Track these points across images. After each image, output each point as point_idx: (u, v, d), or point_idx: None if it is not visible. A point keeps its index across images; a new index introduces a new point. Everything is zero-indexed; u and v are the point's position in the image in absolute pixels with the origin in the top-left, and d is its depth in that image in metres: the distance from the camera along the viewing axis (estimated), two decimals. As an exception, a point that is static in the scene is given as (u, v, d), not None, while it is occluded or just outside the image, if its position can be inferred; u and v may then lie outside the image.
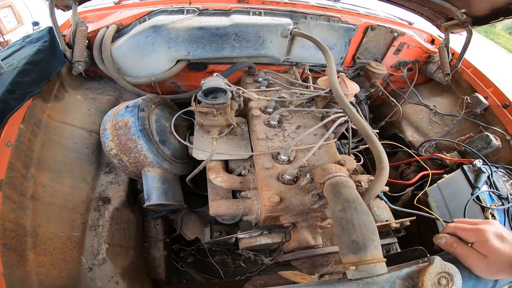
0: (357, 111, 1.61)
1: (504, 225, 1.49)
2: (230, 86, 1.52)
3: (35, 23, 2.02)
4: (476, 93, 2.12)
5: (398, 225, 1.46)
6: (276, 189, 1.27)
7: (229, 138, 1.59)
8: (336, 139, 1.61)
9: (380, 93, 2.54)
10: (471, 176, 1.66)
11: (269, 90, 1.70)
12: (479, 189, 1.58)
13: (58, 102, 1.72)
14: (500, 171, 1.76)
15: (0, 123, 1.27)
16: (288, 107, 1.66)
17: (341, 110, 1.55)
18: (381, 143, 2.28)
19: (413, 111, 2.37)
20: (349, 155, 1.82)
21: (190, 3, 1.81)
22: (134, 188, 1.80)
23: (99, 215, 1.59)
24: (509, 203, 1.58)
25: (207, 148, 1.50)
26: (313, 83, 1.81)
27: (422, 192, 1.87)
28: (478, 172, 1.66)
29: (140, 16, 1.82)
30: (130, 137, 1.51)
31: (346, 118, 1.50)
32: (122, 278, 1.47)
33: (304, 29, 1.97)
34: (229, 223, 1.73)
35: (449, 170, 1.90)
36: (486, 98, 2.09)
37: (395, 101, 2.25)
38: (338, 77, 1.78)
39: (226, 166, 1.56)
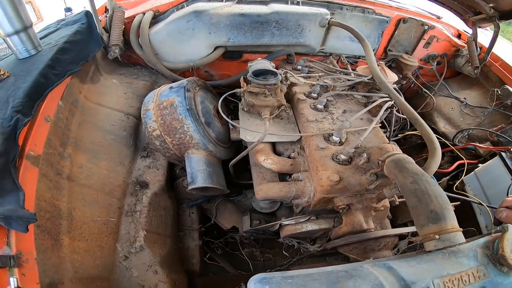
0: (400, 96, 1.64)
1: None
2: (281, 70, 1.52)
3: (68, 9, 1.98)
4: (506, 85, 2.15)
5: None
6: (334, 168, 1.24)
7: (276, 121, 1.56)
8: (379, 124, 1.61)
9: (412, 85, 2.57)
10: (509, 163, 1.67)
11: (310, 76, 1.70)
12: None
13: (94, 84, 1.68)
14: None
15: (41, 97, 1.22)
16: (342, 91, 1.66)
17: (386, 95, 1.56)
18: (409, 134, 2.32)
19: (444, 103, 2.37)
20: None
21: (228, -9, 1.82)
22: (172, 174, 1.74)
23: (136, 200, 1.50)
24: None
25: (255, 131, 1.48)
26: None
27: (459, 181, 1.86)
28: None
29: (178, 2, 1.82)
30: (176, 116, 1.46)
31: (391, 102, 1.51)
32: (161, 267, 1.36)
33: (339, 20, 1.99)
34: (268, 212, 1.69)
35: (483, 160, 1.91)
36: None
37: (428, 92, 2.28)
38: (378, 65, 1.80)
39: (274, 149, 1.53)
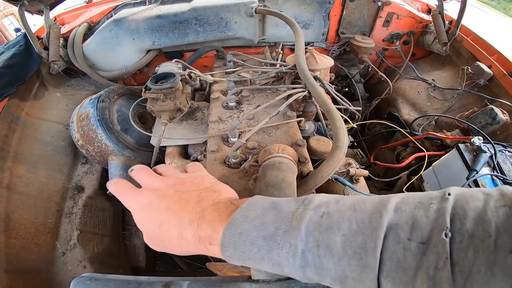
0: (323, 86, 1.49)
1: None
2: (185, 70, 1.49)
3: (17, 30, 2.17)
4: (478, 62, 1.82)
5: None
6: (219, 173, 1.20)
7: (189, 123, 1.55)
8: (304, 119, 1.48)
9: (380, 68, 2.32)
10: (468, 157, 1.42)
11: (232, 72, 1.63)
12: (477, 172, 1.33)
13: (37, 100, 1.83)
14: (509, 151, 1.47)
15: None
16: (251, 86, 1.58)
17: (301, 85, 1.43)
18: (373, 122, 2.11)
19: (410, 86, 2.11)
20: (326, 136, 1.69)
21: (152, -7, 1.81)
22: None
23: (73, 203, 1.66)
24: None
25: (166, 135, 1.48)
26: None
27: (416, 177, 1.64)
28: (477, 152, 1.40)
29: (107, 12, 1.87)
30: (91, 127, 1.55)
31: (304, 93, 1.38)
32: (90, 263, 1.52)
33: (272, 6, 1.86)
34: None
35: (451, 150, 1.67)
36: (489, 67, 1.79)
37: (384, 75, 2.01)
38: (306, 51, 1.66)
39: (186, 151, 1.53)
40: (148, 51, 1.90)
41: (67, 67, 1.99)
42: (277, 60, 1.72)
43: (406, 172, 1.73)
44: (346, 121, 1.81)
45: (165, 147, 1.51)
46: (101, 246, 1.66)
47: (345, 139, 1.06)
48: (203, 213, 0.48)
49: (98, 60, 1.87)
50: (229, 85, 1.55)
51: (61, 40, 1.87)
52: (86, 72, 1.87)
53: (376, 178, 1.76)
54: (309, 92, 1.39)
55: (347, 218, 0.38)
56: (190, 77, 1.48)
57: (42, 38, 1.89)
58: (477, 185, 1.32)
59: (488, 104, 1.71)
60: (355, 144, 2.28)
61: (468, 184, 1.30)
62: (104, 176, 1.80)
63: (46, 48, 1.87)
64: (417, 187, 1.67)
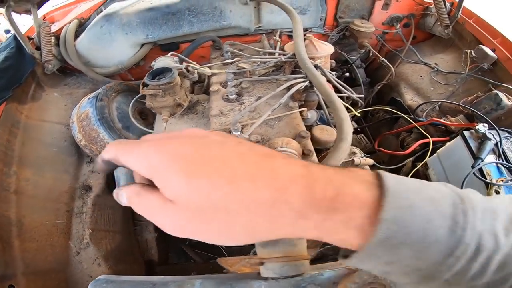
0: (325, 74, 1.47)
1: None
2: (182, 63, 1.46)
3: (7, 31, 2.12)
4: (481, 45, 1.77)
5: None
6: None
7: (190, 117, 1.54)
8: (306, 109, 1.47)
9: (381, 53, 2.28)
10: (473, 144, 1.39)
11: (230, 63, 1.60)
12: (482, 160, 1.32)
13: (35, 102, 1.82)
14: None
15: None
16: (251, 77, 1.55)
17: (302, 75, 1.41)
18: (376, 109, 2.08)
19: (412, 71, 2.05)
20: (329, 125, 1.68)
21: (140, -14, 1.74)
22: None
23: (83, 203, 1.69)
24: None
25: (168, 131, 1.48)
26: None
27: (421, 164, 1.63)
28: (482, 139, 1.39)
29: (97, 7, 1.82)
30: (92, 127, 1.55)
31: (306, 83, 1.36)
32: (105, 261, 1.56)
33: (267, -8, 1.80)
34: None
35: (456, 137, 1.65)
36: (493, 50, 1.74)
37: (385, 60, 1.97)
38: (305, 39, 1.62)
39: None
40: (143, 44, 1.85)
41: (62, 65, 1.95)
42: (275, 48, 1.68)
43: (411, 158, 1.71)
44: (348, 109, 1.80)
45: None
46: (113, 243, 1.70)
47: (350, 130, 1.07)
48: (308, 167, 0.32)
49: (93, 57, 1.83)
50: (228, 77, 1.53)
51: (53, 39, 1.82)
52: (81, 70, 1.84)
53: (381, 166, 1.77)
54: (310, 82, 1.37)
55: None
56: (188, 70, 1.45)
57: (33, 38, 1.85)
58: (482, 174, 1.32)
59: (493, 88, 1.68)
60: (359, 130, 2.28)
61: (474, 173, 1.30)
62: (112, 173, 1.81)
63: (38, 48, 1.83)
64: (422, 174, 1.66)
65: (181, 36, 1.84)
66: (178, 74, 1.48)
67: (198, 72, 1.52)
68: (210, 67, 1.62)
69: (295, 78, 1.39)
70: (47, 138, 1.75)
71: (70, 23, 1.83)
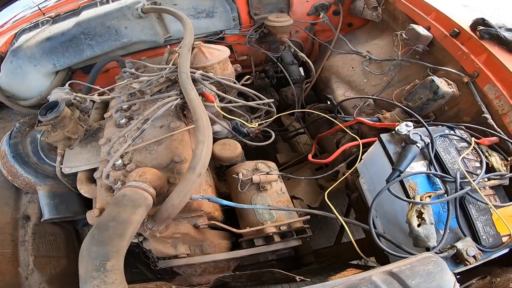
0: (206, 86, 1.41)
1: (445, 227, 0.99)
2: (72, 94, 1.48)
3: None
4: (412, 25, 1.54)
5: (274, 229, 1.26)
6: (103, 200, 1.22)
7: (93, 145, 1.55)
8: (191, 126, 1.40)
9: (315, 46, 2.11)
10: (393, 150, 1.12)
11: (123, 85, 1.57)
12: (400, 172, 1.04)
13: (-31, 141, 1.94)
14: (457, 135, 1.19)
15: None
16: (143, 98, 1.53)
17: (176, 92, 1.37)
18: (308, 110, 1.91)
19: (343, 62, 1.87)
20: (246, 134, 1.61)
21: (44, 14, 1.75)
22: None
23: (24, 232, 1.81)
24: (461, 188, 1.00)
25: (75, 161, 1.53)
26: None
27: (350, 171, 1.40)
28: (406, 143, 1.12)
29: (10, 41, 1.86)
30: (10, 164, 1.63)
31: (177, 101, 1.31)
32: (49, 285, 1.67)
33: (163, 2, 1.71)
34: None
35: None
36: (428, 28, 1.53)
37: (304, 56, 1.81)
38: (193, 47, 1.55)
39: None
40: (57, 72, 1.88)
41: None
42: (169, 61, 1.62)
43: (342, 164, 1.53)
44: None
45: (76, 173, 1.55)
46: (58, 267, 1.81)
47: (203, 156, 1.01)
48: None
49: (15, 90, 1.89)
50: (118, 100, 1.52)
51: (-22, 76, 1.90)
52: (6, 104, 1.92)
53: (312, 177, 1.66)
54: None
55: None
56: (79, 100, 1.46)
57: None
58: (404, 188, 1.05)
59: (430, 74, 1.44)
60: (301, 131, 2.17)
61: (388, 189, 1.03)
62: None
63: (-35, 87, 1.92)
64: (352, 182, 1.47)
65: (92, 58, 1.83)
66: (70, 105, 1.50)
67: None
68: (111, 90, 1.61)
69: (170, 96, 1.36)
70: (-16, 174, 1.87)
71: (-9, 59, 1.90)
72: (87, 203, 1.76)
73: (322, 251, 1.76)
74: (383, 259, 1.19)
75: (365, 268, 1.49)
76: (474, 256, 0.92)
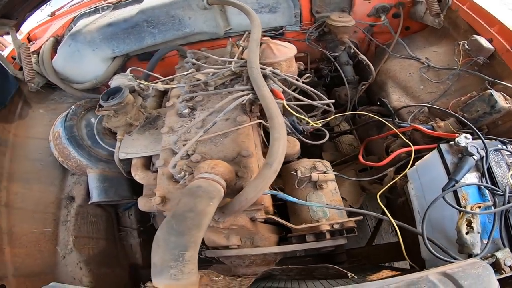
0: (276, 83, 1.39)
1: (489, 237, 1.03)
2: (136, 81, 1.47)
3: None
4: (475, 36, 1.50)
5: (328, 227, 1.27)
6: (165, 189, 1.22)
7: (151, 132, 1.55)
8: (258, 121, 1.39)
9: (371, 47, 2.08)
10: (450, 160, 1.14)
11: (186, 75, 1.57)
12: (456, 182, 1.08)
13: (22, 120, 1.96)
14: (509, 150, 1.18)
15: None
16: (207, 89, 1.52)
17: (247, 87, 1.35)
18: (354, 113, 1.88)
19: (400, 67, 1.83)
20: (302, 132, 1.59)
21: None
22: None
23: (67, 212, 1.83)
24: (508, 202, 1.04)
25: (132, 147, 1.53)
26: None
27: (400, 176, 1.39)
28: (463, 154, 1.13)
29: (68, 24, 1.87)
30: (63, 145, 1.65)
31: (249, 96, 1.30)
32: (86, 265, 1.70)
33: (228, -7, 1.70)
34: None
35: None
36: (490, 41, 1.48)
37: (365, 59, 1.77)
38: (262, 43, 1.54)
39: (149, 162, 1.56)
40: (114, 58, 1.89)
41: (47, 82, 2.06)
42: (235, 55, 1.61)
43: (392, 168, 1.52)
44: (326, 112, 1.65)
45: (130, 159, 1.55)
46: (96, 248, 1.83)
47: (279, 153, 1.00)
48: None
49: (69, 73, 1.91)
50: (182, 90, 1.51)
51: (33, 58, 1.92)
52: (60, 86, 1.93)
53: (361, 179, 1.65)
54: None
55: None
56: (141, 87, 1.46)
57: (16, 59, 1.96)
58: (456, 197, 1.09)
59: (489, 87, 1.42)
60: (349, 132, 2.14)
61: (443, 197, 1.07)
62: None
63: (21, 69, 1.94)
64: (400, 187, 1.45)
65: (151, 46, 1.84)
66: (133, 92, 1.50)
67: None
68: (171, 80, 1.61)
69: (242, 90, 1.34)
70: (33, 154, 1.88)
71: (47, 41, 1.91)
72: (134, 189, 1.78)
73: (354, 251, 1.76)
74: (418, 263, 1.22)
75: (399, 270, 1.51)
76: (510, 266, 0.97)
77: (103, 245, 1.88)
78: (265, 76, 1.33)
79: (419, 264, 1.19)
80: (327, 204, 1.35)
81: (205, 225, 0.86)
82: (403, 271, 1.38)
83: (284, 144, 1.03)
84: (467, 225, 1.02)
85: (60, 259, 1.67)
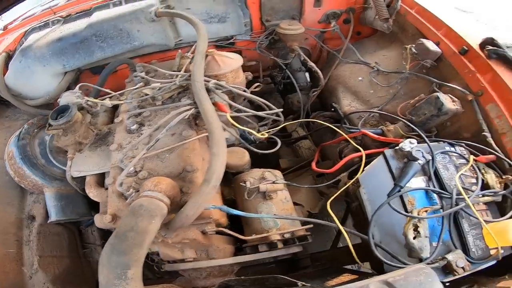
0: (219, 96, 1.42)
1: (438, 240, 1.07)
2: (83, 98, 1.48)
3: None
4: (422, 39, 1.56)
5: (279, 236, 1.32)
6: (115, 207, 1.23)
7: (102, 149, 1.55)
8: (204, 134, 1.41)
9: (323, 53, 2.13)
10: (395, 166, 1.19)
11: (135, 89, 1.58)
12: (401, 187, 1.13)
13: (-23, 139, 1.92)
14: (456, 152, 1.25)
15: None
16: (155, 104, 1.54)
17: (192, 101, 1.38)
18: (313, 120, 1.93)
19: (350, 72, 1.89)
20: (253, 142, 1.62)
21: (55, 13, 1.73)
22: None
23: (29, 232, 1.81)
24: (456, 204, 1.09)
25: (85, 165, 1.53)
26: None
27: (351, 181, 1.44)
28: (408, 159, 1.19)
29: (19, 39, 1.84)
30: (18, 165, 1.63)
31: (191, 111, 1.33)
32: (53, 284, 1.69)
33: (177, 5, 1.72)
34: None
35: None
36: (437, 44, 1.55)
37: (314, 66, 1.83)
38: (207, 55, 1.56)
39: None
40: (66, 73, 1.87)
41: (0, 98, 2.01)
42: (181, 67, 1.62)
43: (344, 174, 1.57)
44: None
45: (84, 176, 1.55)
46: (61, 267, 1.83)
47: (218, 170, 1.03)
48: None
49: (22, 89, 1.87)
50: (130, 106, 1.52)
51: (-15, 74, 1.88)
52: (12, 103, 1.90)
53: (314, 186, 1.72)
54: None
55: None
56: (90, 105, 1.47)
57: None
58: (403, 202, 1.14)
59: (436, 89, 1.49)
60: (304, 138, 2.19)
61: (388, 203, 1.12)
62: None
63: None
64: (353, 192, 1.51)
65: (102, 60, 1.83)
66: (81, 109, 1.50)
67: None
68: (122, 94, 1.61)
69: (186, 105, 1.37)
70: (-11, 174, 1.86)
71: (0, 56, 1.87)
72: (93, 205, 1.79)
73: (318, 255, 1.82)
74: (378, 265, 1.26)
75: (360, 273, 1.59)
76: (463, 267, 1.01)
77: (67, 263, 1.87)
78: (208, 90, 1.35)
79: (381, 267, 1.19)
80: (274, 214, 1.39)
81: (147, 243, 0.89)
82: (365, 275, 1.44)
83: (223, 160, 1.06)
84: (414, 229, 1.06)
85: (27, 279, 1.66)
